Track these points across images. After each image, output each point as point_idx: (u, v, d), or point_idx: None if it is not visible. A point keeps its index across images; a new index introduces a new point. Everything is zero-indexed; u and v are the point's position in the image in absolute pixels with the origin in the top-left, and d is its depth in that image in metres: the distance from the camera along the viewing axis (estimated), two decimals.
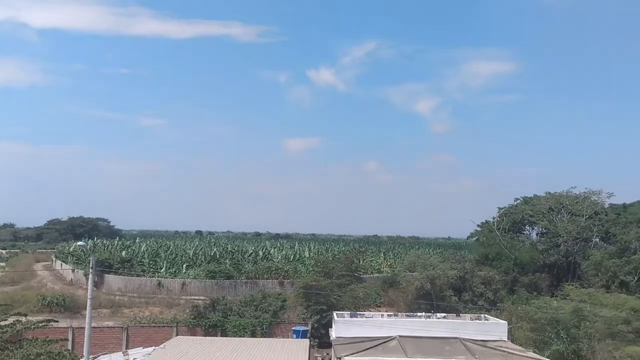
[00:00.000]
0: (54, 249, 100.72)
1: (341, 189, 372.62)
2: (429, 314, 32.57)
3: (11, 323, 19.32)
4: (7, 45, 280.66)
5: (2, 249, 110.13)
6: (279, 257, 78.95)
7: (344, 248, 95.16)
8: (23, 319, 20.18)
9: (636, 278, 43.92)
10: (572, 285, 39.49)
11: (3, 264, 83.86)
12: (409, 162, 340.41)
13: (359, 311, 34.99)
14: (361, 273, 49.69)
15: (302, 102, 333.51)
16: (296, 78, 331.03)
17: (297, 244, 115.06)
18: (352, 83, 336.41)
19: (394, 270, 60.73)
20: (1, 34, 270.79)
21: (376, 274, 61.04)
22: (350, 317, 30.79)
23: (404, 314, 34.23)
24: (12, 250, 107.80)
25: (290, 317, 40.50)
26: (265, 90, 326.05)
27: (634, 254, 44.86)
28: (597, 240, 53.04)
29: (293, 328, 36.73)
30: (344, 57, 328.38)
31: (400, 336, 27.15)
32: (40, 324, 20.26)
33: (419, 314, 32.94)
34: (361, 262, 51.85)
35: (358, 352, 24.95)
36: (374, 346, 25.92)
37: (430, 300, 41.49)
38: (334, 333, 29.38)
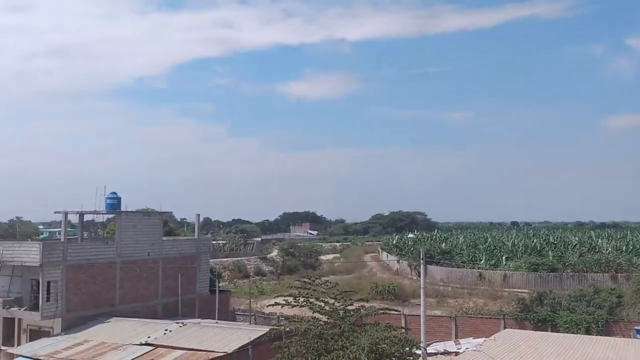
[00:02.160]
0: (379, 241, 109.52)
1: None
2: None
3: (356, 308, 21.25)
4: (326, 61, 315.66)
5: (336, 242, 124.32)
6: (609, 248, 71.72)
7: None
8: (366, 304, 22.11)
9: None
10: None
11: (338, 255, 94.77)
12: None
13: None
14: None
15: (623, 74, 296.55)
16: (613, 49, 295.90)
17: (629, 233, 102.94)
18: None
19: None
20: (322, 52, 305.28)
21: None
22: None
23: None
24: (344, 243, 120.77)
25: (630, 315, 36.31)
26: (577, 67, 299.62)
27: None
28: None
29: (636, 327, 32.78)
30: None
31: None
32: (379, 311, 21.90)
33: None
34: None
35: None
36: None
37: None
38: None
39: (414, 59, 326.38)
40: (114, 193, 35.05)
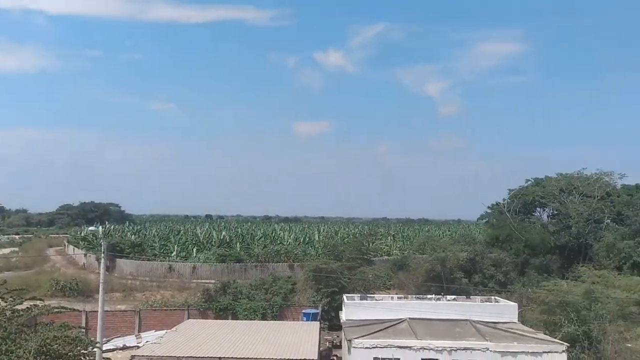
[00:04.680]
0: (66, 234, 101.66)
1: (351, 172, 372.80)
2: (439, 296, 32.60)
3: (27, 307, 19.40)
4: (18, 32, 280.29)
5: (15, 234, 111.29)
6: (289, 240, 79.27)
7: (353, 231, 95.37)
8: (39, 303, 20.29)
9: None
10: (585, 266, 39.29)
11: (16, 248, 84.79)
12: (420, 144, 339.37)
13: (369, 294, 35.08)
14: (371, 256, 49.77)
15: (312, 85, 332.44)
16: (305, 61, 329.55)
17: (306, 227, 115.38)
18: (361, 65, 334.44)
19: (403, 253, 60.77)
20: (12, 21, 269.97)
21: (386, 257, 61.13)
22: (360, 299, 30.89)
23: (413, 296, 34.31)
24: (25, 236, 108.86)
25: (301, 300, 40.71)
26: (275, 73, 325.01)
27: None
28: (609, 221, 52.61)
29: (303, 311, 36.93)
30: (353, 39, 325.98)
31: (410, 318, 27.22)
32: (55, 309, 20.37)
33: (429, 296, 32.99)
34: (371, 245, 52.01)
35: (368, 334, 25.04)
36: (384, 328, 26.00)
37: (440, 283, 41.47)
38: (344, 316, 29.51)
39: (124, 43, 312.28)
40: None
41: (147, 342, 27.27)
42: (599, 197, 51.60)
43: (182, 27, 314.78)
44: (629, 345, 27.61)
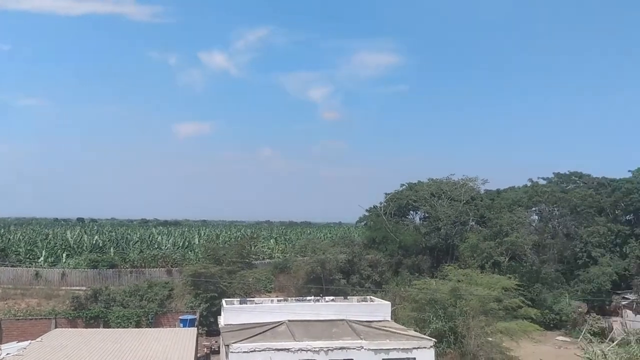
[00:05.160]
0: None
1: (234, 175, 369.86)
2: (318, 297, 33.25)
3: None
4: None
5: None
6: (167, 244, 77.23)
7: (235, 234, 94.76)
8: None
9: (507, 259, 47.42)
10: (451, 266, 41.82)
11: None
12: (303, 148, 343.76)
13: (250, 297, 35.01)
14: (253, 259, 49.65)
15: (194, 86, 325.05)
16: (188, 60, 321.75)
17: (186, 231, 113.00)
18: (245, 68, 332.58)
19: (285, 256, 61.31)
20: None
21: (268, 260, 61.31)
22: (240, 303, 30.72)
23: (293, 298, 34.71)
24: None
25: (178, 306, 39.75)
26: (156, 72, 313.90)
27: (506, 236, 48.25)
28: (473, 224, 56.55)
29: (180, 317, 36.04)
30: (238, 41, 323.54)
31: (289, 321, 27.49)
32: None
33: (308, 298, 33.53)
34: (253, 248, 51.81)
35: (246, 338, 24.96)
36: (263, 332, 26.04)
37: (320, 284, 42.36)
38: (222, 320, 29.20)
39: None
40: None
41: (7, 354, 25.24)
42: (464, 201, 55.33)
43: (56, 18, 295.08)
44: (490, 339, 29.79)
